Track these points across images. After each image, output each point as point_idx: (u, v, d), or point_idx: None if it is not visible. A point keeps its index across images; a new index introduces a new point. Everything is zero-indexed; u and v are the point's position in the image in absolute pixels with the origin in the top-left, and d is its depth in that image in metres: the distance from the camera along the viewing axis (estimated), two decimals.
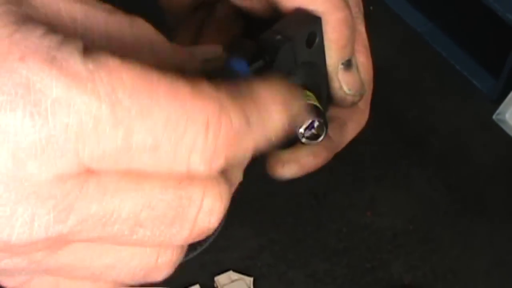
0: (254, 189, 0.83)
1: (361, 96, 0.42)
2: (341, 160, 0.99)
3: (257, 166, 0.99)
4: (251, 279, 0.85)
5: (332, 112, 0.42)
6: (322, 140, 0.38)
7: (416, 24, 1.08)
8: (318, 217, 0.91)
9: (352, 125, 0.43)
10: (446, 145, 0.99)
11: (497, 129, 0.90)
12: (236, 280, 0.84)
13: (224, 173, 0.29)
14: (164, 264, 0.29)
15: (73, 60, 0.25)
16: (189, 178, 0.27)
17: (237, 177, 0.32)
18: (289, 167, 0.41)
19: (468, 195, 0.95)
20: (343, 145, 0.43)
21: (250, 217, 0.84)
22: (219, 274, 0.85)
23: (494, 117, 0.82)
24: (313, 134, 0.38)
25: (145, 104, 0.25)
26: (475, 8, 0.99)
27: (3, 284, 0.29)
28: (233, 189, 0.31)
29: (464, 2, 1.03)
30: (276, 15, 0.39)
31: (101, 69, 0.25)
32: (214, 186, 0.28)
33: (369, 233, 0.91)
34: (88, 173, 0.26)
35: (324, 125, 0.38)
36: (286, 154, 0.40)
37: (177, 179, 0.27)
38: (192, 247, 0.31)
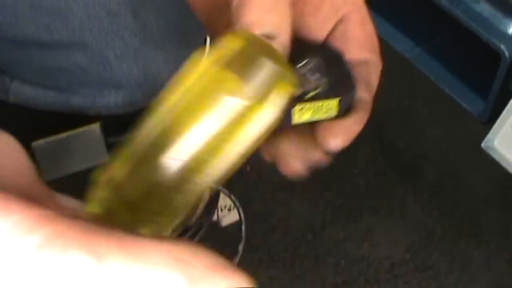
0: (251, 227, 0.84)
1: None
2: (336, 193, 1.00)
3: (253, 205, 0.99)
4: None
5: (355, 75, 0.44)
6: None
7: (403, 50, 1.09)
8: (316, 252, 0.92)
9: (376, 75, 0.45)
10: (439, 171, 1.00)
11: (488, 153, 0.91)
12: None
13: None
14: None
15: None
16: None
17: None
18: (342, 136, 0.43)
19: (463, 220, 0.95)
20: (373, 95, 0.45)
21: (247, 256, 0.84)
22: None
23: (483, 145, 0.82)
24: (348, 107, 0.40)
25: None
26: (461, 32, 0.99)
27: None
28: None
29: (450, 27, 1.04)
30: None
31: None
32: None
33: (366, 264, 0.91)
34: None
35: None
36: (336, 127, 0.42)
37: None
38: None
